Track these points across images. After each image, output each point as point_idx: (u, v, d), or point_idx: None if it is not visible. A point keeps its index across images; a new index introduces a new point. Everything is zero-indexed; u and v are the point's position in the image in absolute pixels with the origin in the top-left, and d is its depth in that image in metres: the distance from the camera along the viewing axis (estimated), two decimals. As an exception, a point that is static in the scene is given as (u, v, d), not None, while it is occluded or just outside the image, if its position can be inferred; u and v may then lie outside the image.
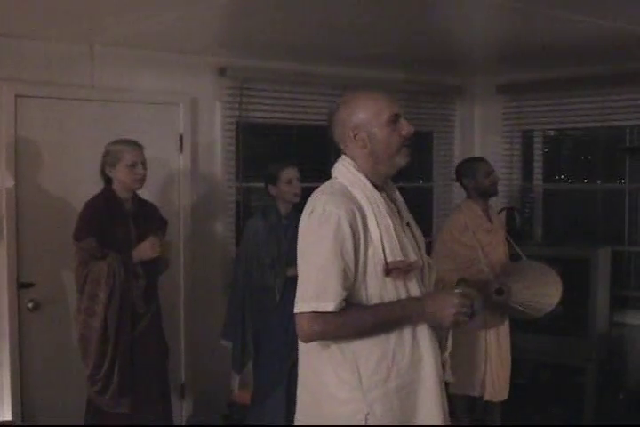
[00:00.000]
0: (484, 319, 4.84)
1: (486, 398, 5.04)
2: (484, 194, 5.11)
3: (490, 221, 5.11)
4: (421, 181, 7.34)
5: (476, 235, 4.97)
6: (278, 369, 4.98)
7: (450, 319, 2.67)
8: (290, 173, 5.11)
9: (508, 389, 5.08)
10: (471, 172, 5.11)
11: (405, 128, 2.75)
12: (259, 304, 5.07)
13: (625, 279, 6.32)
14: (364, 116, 2.73)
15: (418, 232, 2.89)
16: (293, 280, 2.80)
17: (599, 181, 7.03)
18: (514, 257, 5.18)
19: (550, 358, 5.79)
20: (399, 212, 2.83)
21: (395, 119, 2.74)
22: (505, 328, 5.08)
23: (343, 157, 2.81)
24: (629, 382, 5.95)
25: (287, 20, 4.64)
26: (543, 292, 4.74)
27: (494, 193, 5.19)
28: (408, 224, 2.85)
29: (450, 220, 5.16)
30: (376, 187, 2.75)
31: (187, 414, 5.74)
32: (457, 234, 4.99)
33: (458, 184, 5.24)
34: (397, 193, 2.90)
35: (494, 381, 5.01)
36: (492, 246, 5.02)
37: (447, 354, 2.85)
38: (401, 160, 2.78)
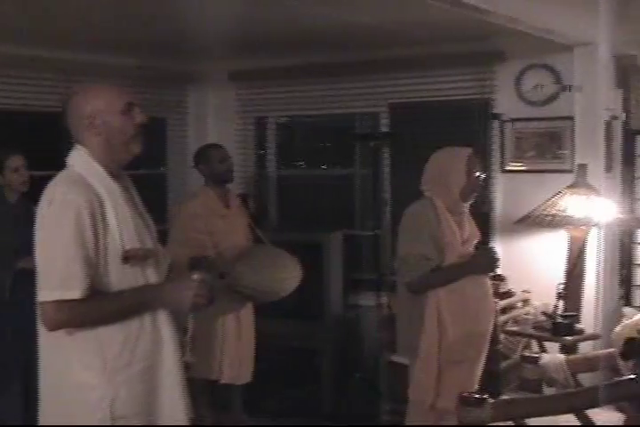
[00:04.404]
0: (221, 303, 4.86)
1: (224, 381, 5.06)
2: (219, 180, 5.13)
3: (227, 206, 5.14)
4: (156, 169, 7.25)
5: (211, 220, 4.97)
6: (11, 365, 4.80)
7: (189, 303, 2.73)
8: (16, 160, 4.91)
9: (251, 372, 5.13)
10: (207, 158, 5.12)
11: (139, 116, 2.79)
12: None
13: (357, 262, 6.53)
14: (99, 105, 2.73)
15: (150, 220, 2.92)
16: (25, 273, 2.72)
17: (331, 167, 7.24)
18: (258, 241, 5.24)
19: (287, 341, 5.88)
20: (133, 200, 2.85)
21: (129, 108, 2.77)
22: (247, 312, 5.12)
23: (78, 146, 2.78)
24: (364, 362, 6.17)
25: (9, 2, 4.42)
26: (277, 276, 4.75)
27: (229, 179, 5.21)
28: (141, 212, 2.88)
29: (184, 206, 5.16)
30: (112, 175, 2.75)
31: None
32: (190, 219, 4.96)
33: (193, 171, 5.24)
34: (130, 181, 2.91)
35: (235, 364, 5.04)
36: (228, 232, 5.03)
37: (188, 337, 2.90)
38: (135, 148, 2.80)
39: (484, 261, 4.18)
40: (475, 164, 4.17)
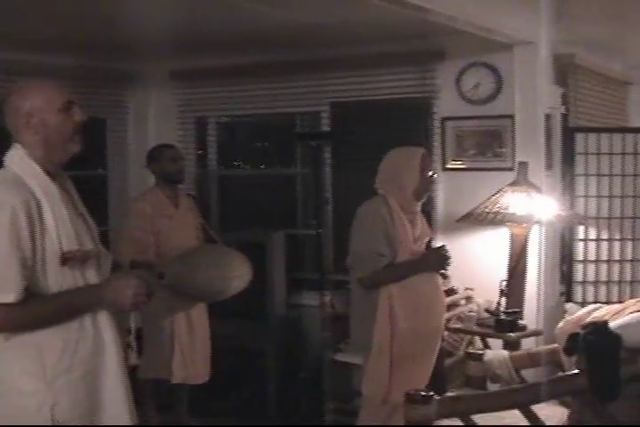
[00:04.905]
0: (170, 303, 4.88)
1: (175, 381, 5.09)
2: (169, 180, 5.19)
3: (176, 206, 5.18)
4: (96, 170, 7.15)
5: (157, 220, 5.03)
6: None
7: (129, 302, 2.70)
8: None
9: (207, 372, 5.20)
10: (158, 157, 5.19)
11: (78, 115, 2.75)
12: None
13: (300, 262, 6.53)
14: (37, 103, 2.69)
15: (90, 221, 2.88)
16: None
17: (273, 167, 7.23)
18: (211, 241, 5.30)
19: (231, 341, 5.84)
20: (72, 200, 2.81)
21: (68, 106, 2.73)
22: (199, 312, 5.18)
23: (16, 145, 2.73)
24: (308, 361, 6.16)
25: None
26: (218, 275, 4.75)
27: (180, 180, 5.29)
28: (82, 213, 2.83)
29: (132, 205, 5.22)
30: (50, 175, 2.71)
31: None
32: (137, 219, 5.03)
33: (134, 172, 5.23)
34: (69, 181, 2.87)
35: (186, 364, 5.08)
36: (176, 232, 5.08)
37: (131, 337, 2.88)
38: (74, 147, 2.76)
39: (436, 258, 4.27)
40: (427, 163, 4.29)
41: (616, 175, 5.71)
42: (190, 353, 5.11)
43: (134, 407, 2.86)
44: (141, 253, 4.90)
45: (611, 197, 5.71)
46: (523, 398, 3.28)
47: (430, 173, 4.26)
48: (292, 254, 6.38)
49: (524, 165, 5.27)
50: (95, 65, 6.58)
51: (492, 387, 4.63)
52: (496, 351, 4.78)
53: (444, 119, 5.86)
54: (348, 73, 6.21)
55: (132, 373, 2.87)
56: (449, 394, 3.94)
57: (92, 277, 2.75)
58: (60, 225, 2.63)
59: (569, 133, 5.75)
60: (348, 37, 5.63)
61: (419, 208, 4.34)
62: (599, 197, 5.72)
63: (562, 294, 5.81)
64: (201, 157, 7.09)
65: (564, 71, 5.83)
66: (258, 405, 5.91)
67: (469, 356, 4.62)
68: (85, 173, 6.79)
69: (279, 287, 6.13)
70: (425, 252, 4.30)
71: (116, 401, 2.78)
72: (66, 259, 2.63)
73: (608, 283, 5.73)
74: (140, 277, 2.74)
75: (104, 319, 2.74)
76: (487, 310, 5.30)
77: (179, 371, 5.07)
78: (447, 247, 4.29)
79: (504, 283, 5.15)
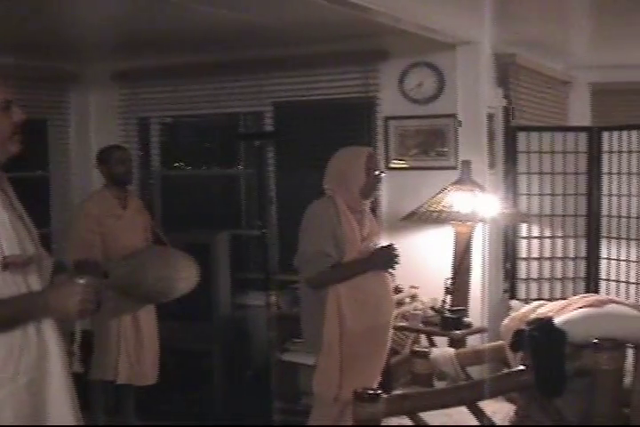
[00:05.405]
0: (116, 304, 4.87)
1: (121, 381, 5.11)
2: (117, 181, 5.20)
3: (124, 207, 5.21)
4: (37, 171, 7.06)
5: (104, 221, 5.06)
6: None
7: (76, 309, 2.59)
8: None
9: (154, 374, 5.23)
10: (106, 159, 5.20)
11: (17, 115, 2.65)
12: None
13: (245, 262, 6.52)
14: None
15: (30, 223, 2.79)
16: None
17: (216, 167, 7.20)
18: (160, 243, 5.31)
19: (177, 342, 5.81)
20: (11, 202, 2.71)
21: (6, 106, 2.63)
22: (147, 313, 5.20)
23: None
24: (254, 361, 6.16)
25: None
26: (164, 276, 4.76)
27: (128, 181, 5.31)
28: (21, 215, 2.74)
29: (80, 206, 5.26)
30: None
31: None
32: (84, 220, 5.06)
33: (76, 173, 5.22)
34: (7, 183, 2.76)
35: (134, 365, 5.10)
36: (123, 233, 5.10)
37: (75, 346, 2.82)
38: (13, 148, 2.66)
39: (384, 257, 4.27)
40: (374, 162, 4.32)
41: (558, 173, 5.78)
42: (137, 354, 5.12)
43: (80, 414, 2.79)
44: (88, 254, 4.85)
45: (553, 195, 5.78)
46: (469, 395, 3.32)
47: (377, 172, 4.28)
48: (237, 255, 6.37)
49: (467, 163, 5.31)
50: (36, 64, 6.48)
51: (439, 384, 4.66)
52: (442, 349, 4.81)
53: (387, 118, 5.88)
54: (291, 73, 6.21)
55: (77, 380, 2.80)
56: (396, 392, 3.97)
57: (35, 281, 2.66)
58: (0, 229, 2.55)
59: (511, 132, 5.81)
60: (291, 37, 5.63)
61: (367, 207, 4.37)
62: (541, 195, 5.78)
63: (506, 291, 5.87)
64: (144, 157, 7.03)
65: (506, 71, 5.89)
66: (205, 406, 5.88)
67: (415, 354, 4.65)
68: (26, 174, 6.70)
69: (224, 288, 6.12)
70: (373, 250, 4.30)
71: (60, 408, 2.70)
72: (7, 264, 2.53)
73: (551, 280, 5.80)
74: (87, 283, 2.64)
75: (48, 326, 2.66)
76: (432, 308, 5.33)
77: (124, 372, 5.08)
78: (394, 246, 4.31)
79: (449, 281, 5.17)
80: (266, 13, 4.87)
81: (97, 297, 2.66)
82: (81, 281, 2.63)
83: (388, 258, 4.26)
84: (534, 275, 5.81)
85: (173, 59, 6.41)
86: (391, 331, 4.45)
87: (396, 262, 4.29)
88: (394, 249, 4.28)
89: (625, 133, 5.57)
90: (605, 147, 5.69)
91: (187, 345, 5.94)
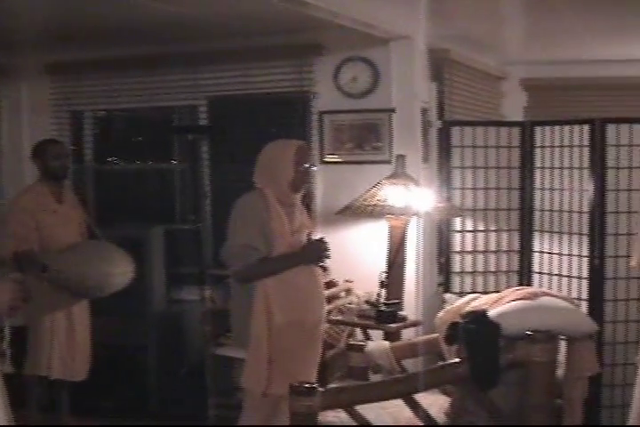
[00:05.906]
0: (50, 299, 4.85)
1: (54, 377, 5.09)
2: (53, 176, 5.16)
3: (60, 202, 5.18)
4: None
5: (39, 215, 5.01)
6: None
7: (5, 308, 2.58)
8: None
9: (86, 369, 5.20)
10: (42, 153, 5.16)
11: None
12: None
13: (179, 257, 6.48)
14: None
15: None
16: None
17: (150, 161, 7.14)
18: (95, 238, 5.29)
19: (110, 338, 5.75)
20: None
21: None
22: (81, 309, 5.18)
23: None
24: (189, 356, 6.13)
25: None
26: (101, 271, 4.79)
27: (63, 176, 5.26)
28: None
29: (15, 200, 5.23)
30: None
31: None
32: (18, 214, 5.01)
33: (7, 167, 5.16)
34: None
35: (66, 361, 5.08)
36: (58, 227, 5.07)
37: (4, 344, 2.77)
38: None
39: (314, 251, 4.24)
40: (303, 156, 4.22)
41: (491, 168, 5.82)
42: (69, 349, 5.09)
43: (10, 410, 2.76)
44: (25, 248, 4.86)
45: (486, 189, 5.82)
46: (405, 388, 3.33)
47: (307, 166, 4.23)
48: (172, 249, 6.32)
49: (401, 158, 5.34)
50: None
51: (374, 378, 4.69)
52: (377, 342, 4.84)
53: (322, 113, 5.89)
54: (225, 67, 6.19)
55: (11, 379, 2.76)
56: (332, 386, 3.97)
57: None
58: None
59: (445, 127, 5.85)
60: (225, 30, 5.60)
61: (297, 201, 4.30)
62: (475, 189, 5.82)
63: (440, 284, 5.91)
64: (77, 151, 6.94)
65: (440, 66, 5.93)
66: (140, 402, 5.84)
67: (351, 347, 4.67)
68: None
69: (159, 283, 6.09)
70: (304, 244, 4.26)
71: None
72: None
73: (485, 273, 5.84)
74: (14, 280, 2.63)
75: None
76: (367, 302, 5.35)
77: (57, 367, 5.06)
78: (326, 240, 4.30)
79: (383, 274, 5.20)
80: (201, 6, 4.84)
81: (25, 293, 2.64)
82: (9, 279, 2.61)
83: (318, 252, 4.22)
84: (468, 268, 5.85)
85: (107, 51, 6.32)
86: (323, 325, 4.41)
87: (327, 256, 4.26)
88: (324, 243, 4.24)
89: (557, 128, 5.63)
90: (538, 141, 5.74)
91: (121, 340, 5.89)
